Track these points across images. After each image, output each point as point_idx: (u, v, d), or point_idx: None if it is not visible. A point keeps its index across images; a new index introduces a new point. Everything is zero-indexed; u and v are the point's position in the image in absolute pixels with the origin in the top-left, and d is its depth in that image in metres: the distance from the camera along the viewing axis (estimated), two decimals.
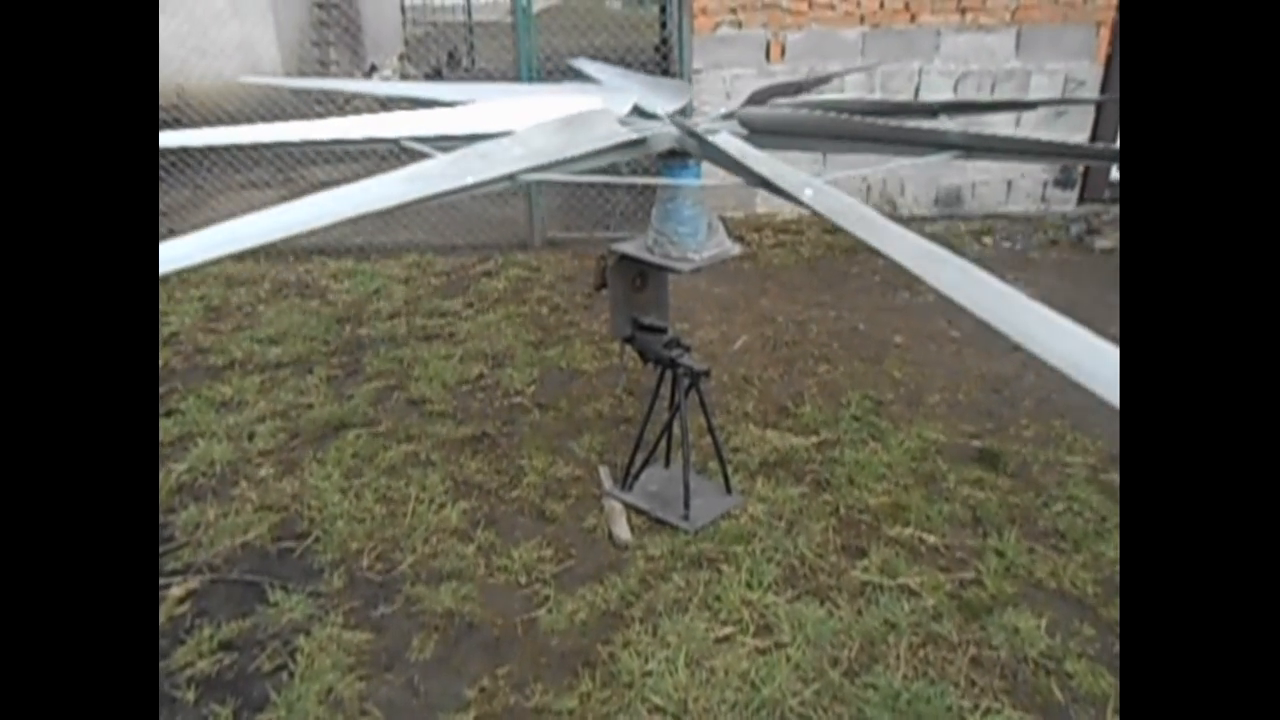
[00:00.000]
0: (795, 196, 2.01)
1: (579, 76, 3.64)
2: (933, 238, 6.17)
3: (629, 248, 3.04)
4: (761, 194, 6.60)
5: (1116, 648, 2.62)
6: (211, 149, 6.25)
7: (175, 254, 1.52)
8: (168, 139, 2.40)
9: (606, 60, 3.93)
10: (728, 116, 2.83)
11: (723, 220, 3.06)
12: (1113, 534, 3.09)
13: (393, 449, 3.66)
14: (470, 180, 2.01)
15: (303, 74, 8.70)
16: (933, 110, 3.31)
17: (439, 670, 2.58)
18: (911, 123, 2.77)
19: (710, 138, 2.49)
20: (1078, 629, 2.69)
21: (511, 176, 2.13)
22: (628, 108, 2.81)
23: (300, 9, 9.26)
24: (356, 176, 1.98)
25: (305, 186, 6.86)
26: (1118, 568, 2.93)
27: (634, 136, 2.52)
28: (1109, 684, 2.49)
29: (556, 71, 6.40)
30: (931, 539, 3.08)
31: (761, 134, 2.64)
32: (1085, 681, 2.50)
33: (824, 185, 2.00)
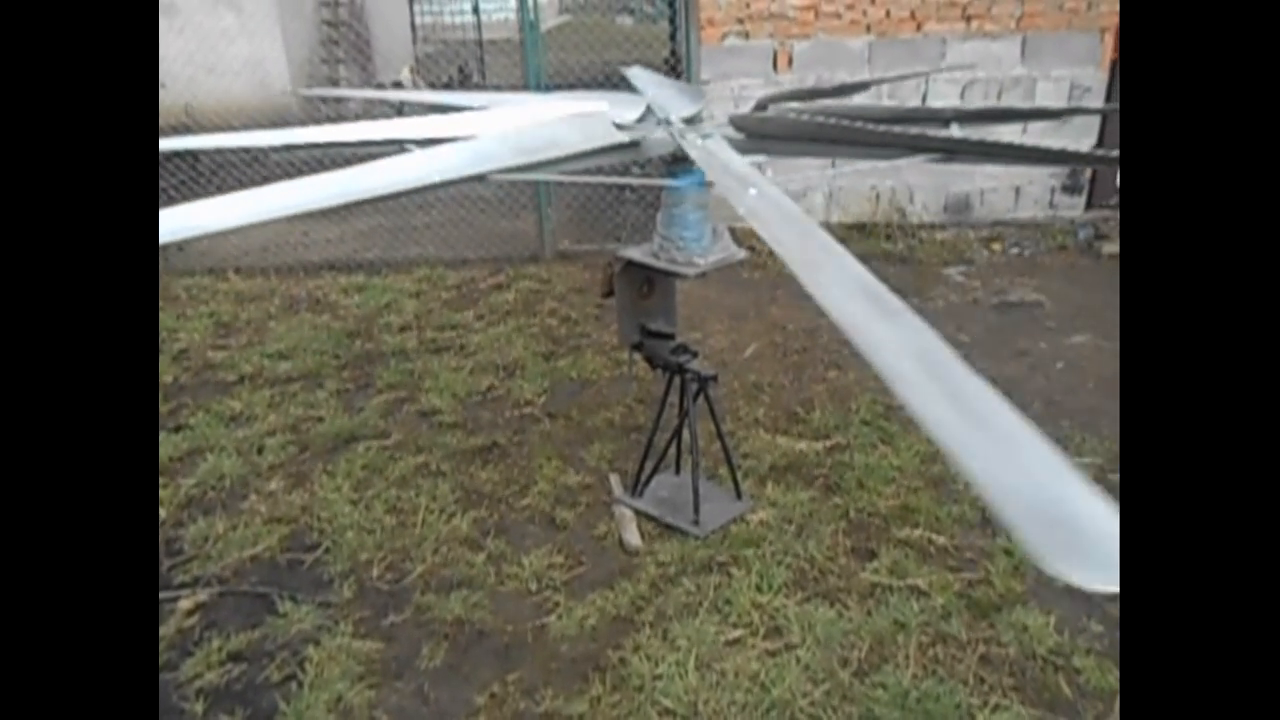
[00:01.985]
0: (735, 200, 1.98)
1: (623, 86, 3.65)
2: (941, 245, 6.14)
3: (635, 253, 3.05)
4: None
5: None
6: (221, 169, 6.32)
7: (178, 224, 1.54)
8: (177, 143, 2.43)
9: (609, 77, 3.94)
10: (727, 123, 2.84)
11: (732, 230, 3.07)
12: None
13: (403, 460, 3.67)
14: (439, 178, 2.03)
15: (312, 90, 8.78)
16: (944, 119, 3.30)
17: (449, 677, 2.58)
18: (917, 129, 2.76)
19: (701, 140, 2.49)
20: (1085, 625, 2.68)
21: (481, 177, 2.14)
22: (638, 113, 2.81)
23: (309, 27, 9.36)
24: None
25: None
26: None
27: (625, 139, 2.52)
28: (1116, 679, 2.48)
29: (565, 86, 6.44)
30: (941, 540, 3.07)
31: (755, 137, 2.65)
32: (1093, 677, 2.49)
33: (772, 190, 1.94)
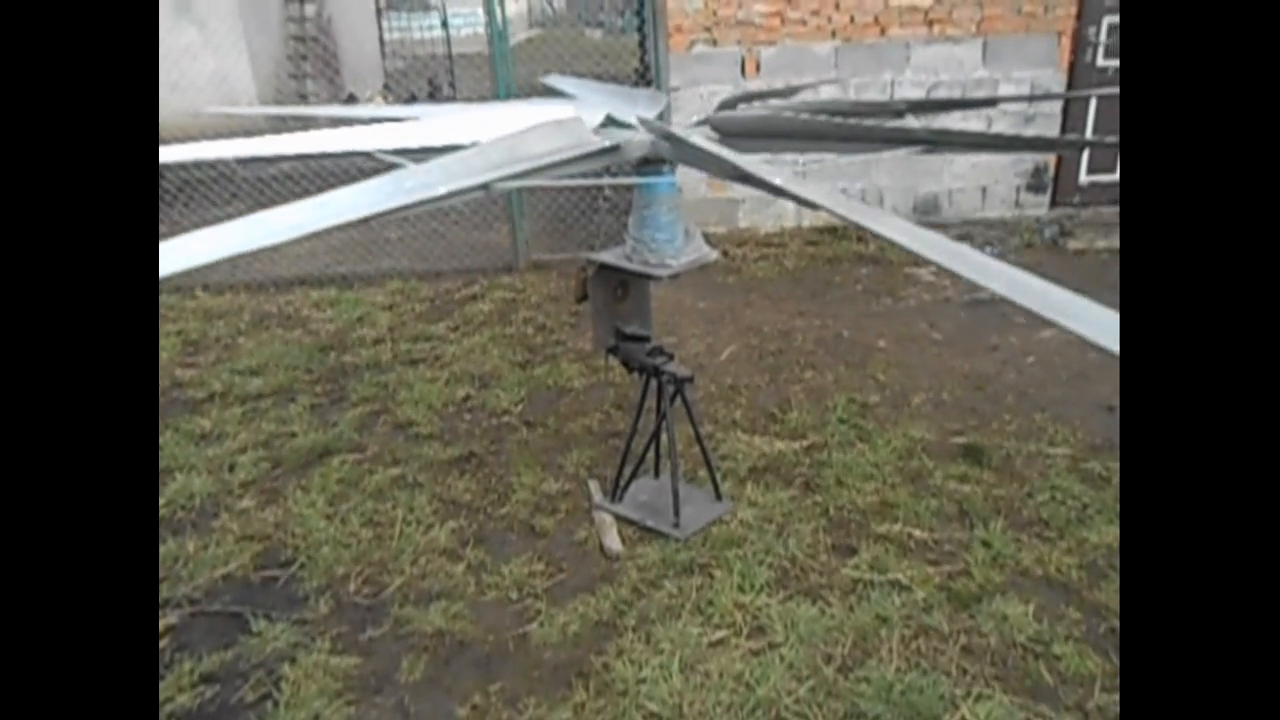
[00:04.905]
0: (770, 182, 2.00)
1: (554, 94, 3.65)
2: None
3: (608, 257, 3.04)
4: (744, 208, 6.64)
5: (1102, 629, 2.64)
6: (187, 185, 6.24)
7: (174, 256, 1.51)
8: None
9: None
10: (700, 124, 2.84)
11: (705, 235, 3.07)
12: (1094, 520, 3.11)
13: (379, 473, 3.63)
14: (444, 189, 2.00)
15: (280, 105, 8.72)
16: (899, 111, 3.33)
17: (429, 690, 2.54)
18: (876, 120, 2.78)
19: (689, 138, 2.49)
20: (1064, 613, 2.70)
21: (485, 186, 2.12)
22: (600, 118, 2.81)
23: (275, 42, 9.29)
24: None
25: None
26: (1101, 552, 2.94)
27: (607, 144, 2.52)
28: (1095, 664, 2.50)
29: (535, 98, 6.44)
30: (920, 534, 3.07)
31: (732, 137, 2.66)
32: (1073, 663, 2.50)
33: (793, 175, 1.99)
